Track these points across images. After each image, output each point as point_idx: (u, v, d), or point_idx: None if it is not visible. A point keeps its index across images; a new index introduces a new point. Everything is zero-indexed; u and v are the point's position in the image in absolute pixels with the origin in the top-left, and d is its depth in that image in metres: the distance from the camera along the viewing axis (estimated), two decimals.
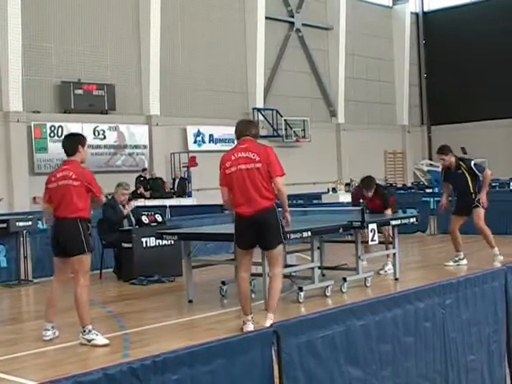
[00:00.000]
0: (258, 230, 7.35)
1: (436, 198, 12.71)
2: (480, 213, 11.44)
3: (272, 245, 7.47)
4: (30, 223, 12.12)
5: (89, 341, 7.25)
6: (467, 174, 11.46)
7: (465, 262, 11.86)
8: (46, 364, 6.73)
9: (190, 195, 26.47)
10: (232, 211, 7.92)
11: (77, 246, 7.36)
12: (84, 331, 7.31)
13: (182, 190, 26.44)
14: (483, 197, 11.36)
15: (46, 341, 7.50)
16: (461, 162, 11.58)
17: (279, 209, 7.63)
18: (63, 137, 8.13)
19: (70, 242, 7.38)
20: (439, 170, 15.51)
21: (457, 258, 11.90)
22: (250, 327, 7.38)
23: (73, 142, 7.77)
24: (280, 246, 7.57)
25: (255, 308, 8.77)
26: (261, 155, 7.36)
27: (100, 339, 7.28)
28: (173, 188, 26.56)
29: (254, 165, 7.32)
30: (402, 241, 11.68)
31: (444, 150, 11.75)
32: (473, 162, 11.53)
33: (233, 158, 7.44)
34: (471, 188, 11.44)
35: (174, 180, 26.87)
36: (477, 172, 11.43)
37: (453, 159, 11.61)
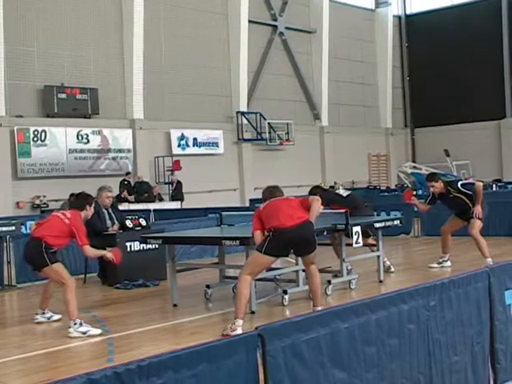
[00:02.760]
0: (299, 242, 7.94)
1: (420, 200, 12.79)
2: (476, 223, 11.49)
3: (312, 251, 8.09)
4: (13, 228, 12.07)
5: (84, 333, 7.85)
6: (460, 195, 11.55)
7: (449, 263, 11.93)
8: (29, 370, 6.69)
9: (182, 199, 26.38)
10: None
11: (39, 261, 8.38)
12: (75, 324, 7.90)
13: (180, 193, 26.36)
14: (478, 209, 11.41)
15: (36, 323, 8.68)
16: (449, 188, 11.65)
17: None
18: (73, 196, 9.22)
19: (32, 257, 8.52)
20: (423, 172, 15.53)
21: (441, 260, 11.95)
22: (240, 331, 7.37)
23: (83, 201, 8.80)
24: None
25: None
26: (293, 199, 8.39)
27: (94, 330, 7.94)
28: (174, 190, 26.52)
29: (288, 197, 8.41)
30: (386, 243, 11.70)
31: (434, 177, 11.92)
32: (460, 184, 11.63)
33: (266, 203, 8.29)
34: (469, 204, 11.53)
35: (171, 184, 26.80)
36: (467, 191, 11.51)
37: (442, 185, 11.70)
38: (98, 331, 7.94)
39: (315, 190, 11.16)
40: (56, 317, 8.87)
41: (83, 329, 7.89)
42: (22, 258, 9.03)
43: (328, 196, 11.25)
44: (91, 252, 8.56)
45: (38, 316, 8.83)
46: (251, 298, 8.59)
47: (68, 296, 8.07)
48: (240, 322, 7.51)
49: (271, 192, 8.51)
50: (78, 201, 8.87)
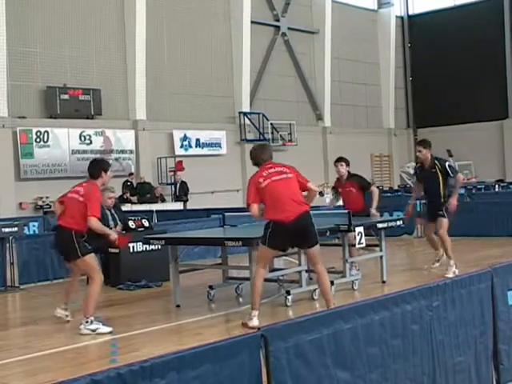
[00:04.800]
0: (298, 234, 7.87)
1: (423, 201, 12.76)
2: (443, 222, 11.30)
3: (311, 244, 7.98)
4: (16, 229, 12.05)
5: (93, 330, 7.90)
6: (440, 175, 11.28)
7: (437, 265, 11.88)
8: (32, 371, 6.69)
9: (186, 199, 26.36)
10: (261, 220, 8.23)
11: (71, 252, 8.20)
12: (87, 322, 7.92)
13: (184, 193, 26.36)
14: (454, 201, 11.18)
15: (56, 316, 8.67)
16: (436, 161, 11.42)
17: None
18: (90, 161, 8.82)
19: (63, 247, 8.35)
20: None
21: (437, 258, 11.90)
22: (256, 322, 7.70)
23: (97, 168, 8.51)
24: (318, 245, 8.03)
25: (243, 312, 8.78)
26: (289, 169, 8.13)
27: (104, 328, 7.95)
28: (175, 192, 26.53)
29: (287, 175, 8.00)
30: (388, 243, 11.70)
31: (424, 143, 11.57)
32: (447, 163, 11.48)
33: (264, 174, 8.01)
34: (442, 190, 11.24)
35: (175, 184, 26.79)
36: (450, 173, 11.29)
37: (429, 155, 11.42)
38: (108, 329, 7.96)
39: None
40: (69, 317, 8.80)
41: (93, 326, 7.91)
42: (53, 247, 8.85)
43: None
44: (97, 225, 8.15)
45: (59, 309, 8.73)
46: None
47: (92, 291, 8.06)
48: (255, 312, 7.83)
49: (261, 153, 8.31)
50: (92, 168, 8.52)
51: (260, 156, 8.25)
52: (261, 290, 8.00)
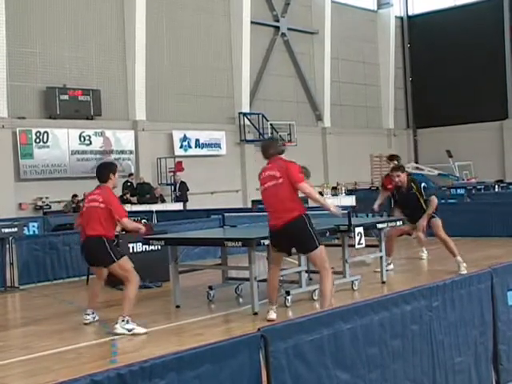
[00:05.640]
0: (289, 240, 7.99)
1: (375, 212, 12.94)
2: (438, 222, 11.47)
3: (306, 249, 8.02)
4: (15, 229, 12.05)
5: (129, 330, 7.92)
6: (418, 195, 11.46)
7: (392, 266, 12.00)
8: (32, 371, 6.69)
9: (185, 199, 26.36)
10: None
11: (105, 259, 8.28)
12: (123, 321, 7.95)
13: (184, 194, 26.35)
14: (423, 222, 11.26)
15: (86, 324, 8.61)
16: (412, 184, 11.52)
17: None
18: (97, 165, 8.92)
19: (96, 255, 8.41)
20: (425, 173, 15.65)
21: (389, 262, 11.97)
22: (273, 315, 8.06)
23: (105, 171, 8.62)
24: (317, 250, 7.88)
25: (243, 313, 8.78)
26: (281, 171, 8.00)
27: (140, 328, 7.99)
28: (176, 190, 26.53)
29: (277, 181, 7.99)
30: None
31: (401, 168, 11.78)
32: (423, 185, 11.59)
33: (263, 175, 8.21)
34: (423, 206, 11.36)
35: (174, 185, 26.80)
36: (424, 196, 11.42)
37: (405, 178, 11.53)
38: (144, 330, 7.97)
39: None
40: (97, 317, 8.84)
41: (129, 326, 7.93)
42: (85, 260, 8.82)
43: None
44: (130, 224, 8.45)
45: (89, 317, 8.70)
46: (254, 299, 8.60)
47: (130, 292, 8.14)
48: (272, 307, 8.16)
49: (264, 150, 8.38)
50: (100, 173, 8.63)
51: (264, 153, 8.36)
52: (276, 285, 8.32)
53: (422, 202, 11.38)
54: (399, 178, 11.45)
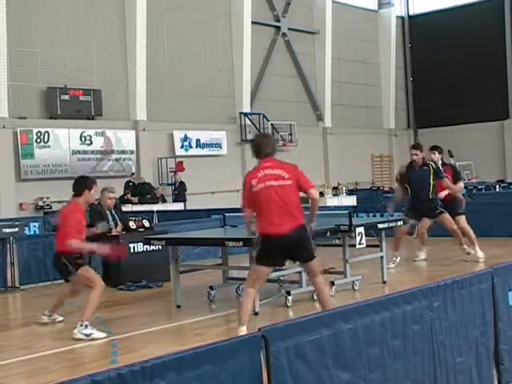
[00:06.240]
0: (290, 249, 7.17)
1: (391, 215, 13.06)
2: (448, 217, 11.89)
3: (311, 257, 7.28)
4: (16, 229, 12.06)
5: (87, 335, 7.77)
6: (432, 174, 11.86)
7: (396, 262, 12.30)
8: (32, 371, 6.69)
9: (183, 199, 26.36)
10: (250, 229, 7.69)
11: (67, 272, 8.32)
12: (81, 326, 7.82)
13: (182, 194, 26.34)
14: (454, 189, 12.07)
15: (39, 324, 8.69)
16: (430, 162, 12.05)
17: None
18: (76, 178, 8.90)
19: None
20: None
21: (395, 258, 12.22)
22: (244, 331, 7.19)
23: (80, 186, 8.50)
24: (316, 259, 7.33)
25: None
26: (289, 172, 7.26)
27: (98, 333, 7.84)
28: (175, 190, 26.52)
29: (284, 182, 7.17)
30: (389, 244, 11.68)
31: (421, 147, 12.23)
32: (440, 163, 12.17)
33: (259, 175, 7.20)
34: (430, 191, 11.81)
35: (174, 184, 26.79)
36: (440, 173, 11.87)
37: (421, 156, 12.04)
38: (103, 335, 7.85)
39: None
40: (59, 318, 8.87)
41: (87, 331, 7.80)
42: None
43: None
44: (77, 247, 8.12)
45: (44, 317, 8.81)
46: (255, 299, 8.58)
47: (92, 297, 8.04)
48: (242, 328, 7.17)
49: (262, 145, 7.43)
50: (75, 185, 8.56)
51: (261, 149, 7.37)
52: (246, 310, 7.33)
53: (431, 184, 11.72)
54: (416, 157, 11.91)
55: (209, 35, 29.85)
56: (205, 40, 29.64)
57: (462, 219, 12.31)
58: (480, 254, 12.15)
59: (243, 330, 7.06)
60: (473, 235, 12.28)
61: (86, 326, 7.85)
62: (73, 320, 8.87)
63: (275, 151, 7.51)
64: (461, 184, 12.67)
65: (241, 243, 8.61)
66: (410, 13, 42.37)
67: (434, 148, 13.00)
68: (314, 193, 7.36)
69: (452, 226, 11.92)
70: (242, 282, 10.17)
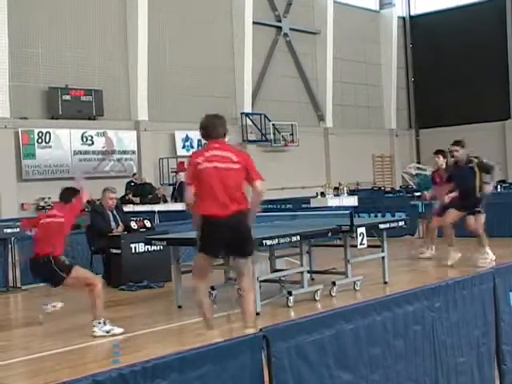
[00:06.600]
0: (233, 235, 6.64)
1: (425, 202, 13.05)
2: (483, 218, 11.81)
3: (248, 252, 6.80)
4: (17, 230, 12.05)
5: (107, 332, 7.88)
6: (477, 171, 11.70)
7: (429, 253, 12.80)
8: (34, 371, 6.70)
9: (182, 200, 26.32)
10: (194, 212, 7.01)
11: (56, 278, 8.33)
12: (100, 323, 7.93)
13: (181, 194, 26.28)
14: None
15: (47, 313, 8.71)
16: (474, 158, 11.85)
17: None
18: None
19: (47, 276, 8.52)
20: (427, 173, 16.17)
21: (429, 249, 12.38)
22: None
23: (67, 195, 8.64)
24: (251, 258, 6.86)
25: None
26: (239, 157, 6.82)
27: (117, 329, 7.97)
28: (176, 190, 26.50)
29: (232, 165, 6.69)
30: (390, 244, 11.69)
31: (461, 143, 12.10)
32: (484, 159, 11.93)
33: (207, 154, 6.76)
34: (476, 190, 11.66)
35: (174, 184, 26.77)
36: (487, 166, 11.75)
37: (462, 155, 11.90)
38: (121, 330, 7.97)
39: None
40: (59, 304, 8.91)
41: (107, 328, 7.92)
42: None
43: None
44: None
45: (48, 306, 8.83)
46: (256, 299, 8.57)
47: (96, 295, 8.13)
48: (213, 332, 6.79)
49: (214, 126, 6.90)
50: (63, 194, 8.72)
51: (212, 130, 6.88)
52: (204, 305, 6.94)
53: (477, 181, 11.60)
54: (457, 153, 11.88)
55: (210, 35, 29.85)
56: (206, 40, 29.64)
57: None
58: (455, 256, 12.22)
59: (216, 336, 6.62)
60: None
61: (105, 323, 7.95)
62: (74, 320, 8.89)
63: (226, 134, 6.99)
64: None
65: None
66: (412, 13, 42.38)
67: (439, 152, 13.03)
68: (260, 185, 6.74)
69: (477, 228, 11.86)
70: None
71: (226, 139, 6.97)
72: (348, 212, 10.27)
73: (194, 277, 7.13)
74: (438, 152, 13.17)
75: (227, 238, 6.63)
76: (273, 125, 31.44)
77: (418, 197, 17.14)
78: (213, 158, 6.71)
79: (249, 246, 6.80)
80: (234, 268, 7.23)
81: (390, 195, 28.74)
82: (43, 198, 23.89)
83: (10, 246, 12.16)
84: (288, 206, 22.45)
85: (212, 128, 6.88)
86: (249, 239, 6.79)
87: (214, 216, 6.58)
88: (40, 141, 23.93)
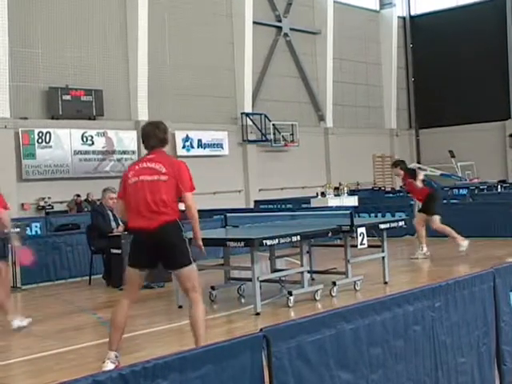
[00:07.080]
0: (157, 248, 6.36)
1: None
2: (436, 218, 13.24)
3: (179, 263, 6.41)
4: (17, 230, 12.04)
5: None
6: (411, 179, 13.33)
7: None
8: (33, 372, 6.69)
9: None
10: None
11: None
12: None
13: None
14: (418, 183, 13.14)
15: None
16: (406, 172, 13.51)
17: (190, 232, 6.77)
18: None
19: None
20: (428, 173, 17.17)
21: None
22: (110, 367, 6.09)
23: None
24: (191, 266, 6.42)
25: (245, 313, 8.78)
26: (168, 167, 6.40)
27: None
28: None
29: (159, 177, 6.37)
30: (390, 244, 11.69)
31: (395, 163, 14.01)
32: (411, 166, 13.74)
33: (137, 167, 6.52)
34: (419, 192, 13.41)
35: None
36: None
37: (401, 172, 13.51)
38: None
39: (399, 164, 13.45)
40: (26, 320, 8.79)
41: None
42: None
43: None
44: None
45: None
46: (256, 299, 8.58)
47: None
48: (110, 354, 6.34)
49: (149, 136, 6.56)
50: None
51: (149, 139, 6.58)
52: (122, 326, 6.53)
53: (417, 185, 13.04)
54: (396, 174, 13.70)
55: (210, 35, 29.84)
56: (206, 40, 29.62)
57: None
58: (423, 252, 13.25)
59: (112, 357, 6.29)
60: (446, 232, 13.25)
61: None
62: (74, 320, 8.88)
63: (165, 143, 6.62)
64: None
65: (242, 243, 8.61)
66: (412, 13, 42.37)
67: (397, 164, 13.82)
68: (189, 198, 6.47)
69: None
70: (243, 282, 10.19)
71: (165, 149, 6.63)
72: (348, 212, 10.28)
73: (123, 293, 6.88)
74: (396, 164, 13.98)
75: (155, 249, 6.37)
76: (273, 125, 31.43)
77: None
78: (141, 171, 6.45)
79: (180, 257, 6.39)
80: (178, 282, 6.75)
81: (390, 195, 28.72)
82: (43, 198, 23.90)
83: (10, 245, 12.12)
84: (288, 205, 22.46)
85: (148, 138, 6.58)
86: (179, 250, 6.41)
87: (140, 228, 6.38)
88: (40, 141, 23.92)
